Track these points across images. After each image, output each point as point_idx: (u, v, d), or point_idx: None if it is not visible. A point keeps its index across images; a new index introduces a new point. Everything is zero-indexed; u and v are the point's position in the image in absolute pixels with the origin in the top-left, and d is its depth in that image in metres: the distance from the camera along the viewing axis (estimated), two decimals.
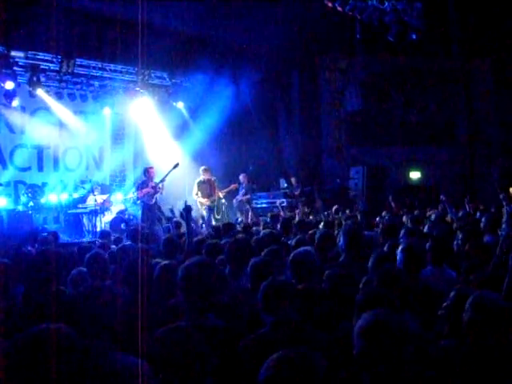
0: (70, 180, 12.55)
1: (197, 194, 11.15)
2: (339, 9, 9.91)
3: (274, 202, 12.26)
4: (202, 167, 11.35)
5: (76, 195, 11.81)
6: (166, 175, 10.44)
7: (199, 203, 11.05)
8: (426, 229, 6.26)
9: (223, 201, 11.65)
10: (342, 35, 12.07)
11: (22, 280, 3.79)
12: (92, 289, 2.59)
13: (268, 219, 8.76)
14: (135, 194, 11.53)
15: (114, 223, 10.91)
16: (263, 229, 6.79)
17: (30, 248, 6.05)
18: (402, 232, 5.34)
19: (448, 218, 7.59)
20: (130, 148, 13.83)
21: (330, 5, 9.85)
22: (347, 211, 9.89)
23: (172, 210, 8.21)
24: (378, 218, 8.08)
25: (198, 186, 11.13)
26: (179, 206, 11.71)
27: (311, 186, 13.09)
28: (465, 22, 12.95)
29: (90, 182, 11.59)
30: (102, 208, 11.07)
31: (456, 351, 2.41)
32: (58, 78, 11.64)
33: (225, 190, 11.53)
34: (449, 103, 14.98)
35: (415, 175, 14.68)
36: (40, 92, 11.41)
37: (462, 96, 14.90)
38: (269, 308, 2.77)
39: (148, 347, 2.14)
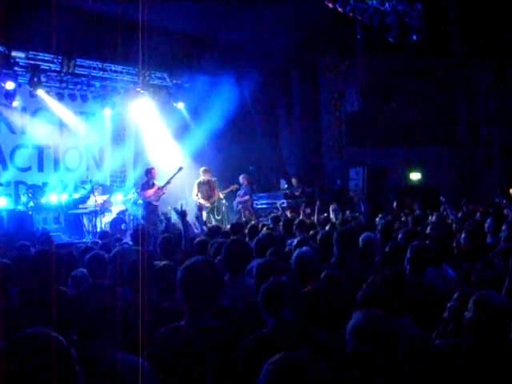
0: (71, 180, 12.55)
1: (197, 195, 11.14)
2: (340, 10, 9.92)
3: (275, 203, 12.26)
4: (202, 168, 11.35)
5: (76, 195, 11.81)
6: (171, 178, 10.49)
7: (199, 204, 11.04)
8: (428, 230, 6.27)
9: (223, 201, 11.64)
10: (343, 36, 12.08)
11: (21, 280, 3.79)
12: (92, 289, 2.59)
13: (268, 220, 8.75)
14: (135, 194, 11.56)
15: (114, 224, 10.92)
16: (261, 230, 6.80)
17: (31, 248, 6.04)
18: (403, 233, 5.34)
19: (449, 220, 7.59)
20: (131, 148, 13.83)
21: (330, 5, 9.86)
22: (347, 212, 9.89)
23: (168, 212, 8.22)
24: (377, 219, 8.08)
25: (198, 187, 11.13)
26: (178, 207, 11.74)
27: (312, 187, 13.09)
28: (465, 23, 12.95)
29: (90, 182, 11.59)
30: (103, 208, 11.08)
31: (457, 350, 2.41)
32: (58, 78, 11.64)
33: (225, 191, 11.52)
34: (449, 104, 14.98)
35: (415, 176, 14.68)
36: (40, 92, 11.41)
37: (462, 96, 14.91)
38: (270, 309, 2.77)
39: (148, 347, 2.15)
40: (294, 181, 13.17)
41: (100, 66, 11.95)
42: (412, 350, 2.24)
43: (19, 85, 10.97)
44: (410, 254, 3.87)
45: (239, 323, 3.04)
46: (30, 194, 10.93)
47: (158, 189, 10.52)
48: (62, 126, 12.38)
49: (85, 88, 12.27)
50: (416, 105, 14.82)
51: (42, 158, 12.31)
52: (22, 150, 11.93)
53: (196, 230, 8.36)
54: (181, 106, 13.26)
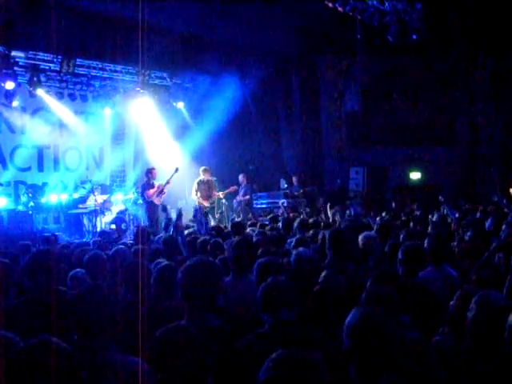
0: (71, 180, 12.55)
1: (196, 195, 11.13)
2: (340, 9, 9.91)
3: (275, 203, 12.26)
4: (202, 167, 11.34)
5: (76, 195, 11.82)
6: (170, 178, 10.55)
7: (198, 204, 11.00)
8: (429, 230, 6.27)
9: (223, 201, 11.64)
10: (343, 35, 12.07)
11: (20, 280, 3.79)
12: (92, 289, 2.59)
13: (267, 220, 8.75)
14: (135, 194, 11.57)
15: (114, 223, 10.91)
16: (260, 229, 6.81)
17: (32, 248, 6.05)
18: (403, 233, 5.34)
19: (449, 219, 7.59)
20: (131, 148, 13.84)
21: (330, 5, 9.85)
22: (347, 212, 9.88)
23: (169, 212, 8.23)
24: (377, 219, 8.07)
25: (198, 186, 11.12)
26: (179, 206, 11.77)
27: (312, 187, 13.08)
28: (465, 23, 12.94)
29: (90, 182, 11.59)
30: (102, 208, 11.08)
31: (457, 349, 2.41)
32: (58, 78, 11.64)
33: (224, 192, 11.44)
34: (449, 103, 14.98)
35: (415, 175, 14.68)
36: (40, 92, 11.41)
37: (462, 96, 14.90)
38: (268, 308, 2.78)
39: (148, 347, 2.14)
40: (294, 180, 13.16)
41: (100, 66, 11.95)
42: (410, 348, 2.24)
43: (19, 84, 10.96)
44: (401, 255, 3.86)
45: (239, 323, 3.04)
46: (29, 194, 10.93)
47: (159, 188, 10.57)
48: (61, 125, 12.38)
49: (85, 88, 12.27)
50: (416, 104, 14.82)
51: (41, 158, 12.31)
52: (22, 149, 11.92)
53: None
54: (181, 105, 13.25)
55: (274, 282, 2.85)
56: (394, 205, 10.93)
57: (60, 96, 12.01)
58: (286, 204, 11.75)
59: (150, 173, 10.73)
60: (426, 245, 4.21)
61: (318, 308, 3.04)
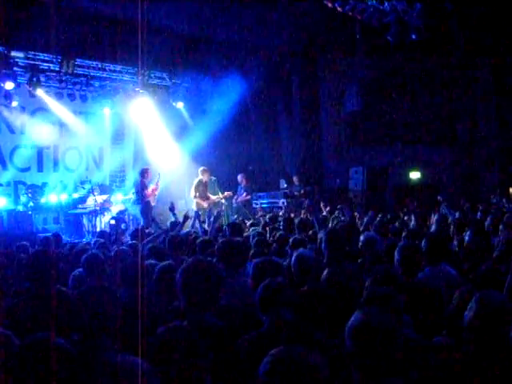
0: (70, 180, 12.55)
1: (195, 196, 11.09)
2: (339, 9, 9.91)
3: (274, 202, 12.25)
4: (201, 168, 11.32)
5: (76, 195, 11.81)
6: (157, 182, 10.75)
7: (196, 204, 10.98)
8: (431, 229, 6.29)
9: (223, 201, 11.62)
10: (342, 35, 12.07)
11: (21, 280, 3.79)
12: (92, 289, 2.59)
13: (267, 220, 8.73)
14: (135, 194, 11.55)
15: (114, 219, 10.91)
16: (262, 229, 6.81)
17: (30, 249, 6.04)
18: (403, 234, 5.35)
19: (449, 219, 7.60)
20: (130, 148, 13.84)
21: (329, 5, 9.85)
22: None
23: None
24: (377, 219, 8.07)
25: (197, 187, 11.08)
26: (179, 206, 11.77)
27: (312, 186, 13.08)
28: (465, 23, 12.93)
29: (89, 182, 11.59)
30: (102, 208, 11.08)
31: (457, 349, 2.41)
32: (57, 78, 11.63)
33: (218, 197, 11.30)
34: (449, 103, 14.98)
35: (415, 175, 14.68)
36: (40, 92, 11.41)
37: (462, 96, 14.90)
38: (266, 308, 2.78)
39: (147, 347, 2.14)
40: (295, 179, 13.16)
41: (99, 66, 11.95)
42: (411, 351, 2.24)
43: (18, 85, 10.96)
44: (398, 255, 3.85)
45: (237, 322, 3.04)
46: (29, 194, 10.93)
47: (153, 189, 10.60)
48: (61, 125, 12.38)
49: (84, 88, 12.27)
50: (416, 104, 14.82)
51: (41, 158, 12.31)
52: (22, 150, 11.92)
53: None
54: (180, 105, 13.25)
55: (272, 282, 2.86)
56: (393, 205, 10.93)
57: (59, 96, 12.01)
58: (285, 204, 11.76)
59: (146, 173, 10.70)
60: (423, 245, 4.21)
61: (317, 308, 3.03)
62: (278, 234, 5.85)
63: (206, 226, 10.00)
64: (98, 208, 10.93)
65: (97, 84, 12.26)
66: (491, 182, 13.90)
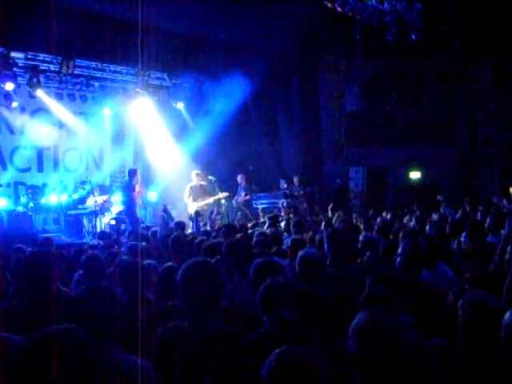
0: (70, 181, 12.54)
1: (188, 198, 11.07)
2: (339, 9, 9.91)
3: (275, 203, 12.24)
4: (194, 172, 11.31)
5: (76, 196, 11.81)
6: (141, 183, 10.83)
7: (190, 207, 10.96)
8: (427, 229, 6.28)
9: (223, 201, 11.62)
10: (342, 36, 12.08)
11: (18, 281, 3.79)
12: (92, 289, 2.59)
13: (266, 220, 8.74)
14: (126, 196, 11.58)
15: (114, 220, 10.92)
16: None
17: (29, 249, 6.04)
18: (402, 233, 5.35)
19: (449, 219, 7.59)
20: (130, 149, 13.83)
21: (329, 5, 9.86)
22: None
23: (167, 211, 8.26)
24: (378, 219, 8.08)
25: (190, 191, 11.08)
26: (178, 206, 11.77)
27: (312, 186, 13.08)
28: (465, 23, 12.95)
29: (89, 183, 11.58)
30: (102, 209, 11.07)
31: (448, 351, 2.40)
32: (57, 78, 11.63)
33: (216, 198, 11.27)
34: (449, 103, 14.98)
35: (415, 175, 14.68)
36: (40, 93, 11.41)
37: (462, 96, 14.90)
38: (268, 309, 2.78)
39: (147, 347, 2.14)
40: (295, 180, 13.16)
41: (99, 67, 11.95)
42: (412, 352, 2.23)
43: (18, 85, 10.96)
44: (400, 256, 3.83)
45: (238, 323, 3.04)
46: (29, 195, 10.92)
47: (138, 191, 10.60)
48: (61, 126, 12.37)
49: (84, 88, 12.27)
50: (415, 104, 14.83)
51: (41, 159, 12.30)
52: (22, 150, 11.92)
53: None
54: (180, 106, 13.25)
55: (274, 282, 2.85)
56: (393, 205, 10.93)
57: (59, 97, 12.01)
58: (285, 204, 11.75)
59: (135, 174, 10.68)
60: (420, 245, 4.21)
61: (319, 308, 3.03)
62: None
63: (207, 226, 10.03)
64: (98, 208, 10.93)
65: (97, 84, 12.26)
66: (491, 182, 13.90)
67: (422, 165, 14.58)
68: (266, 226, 7.34)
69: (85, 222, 11.22)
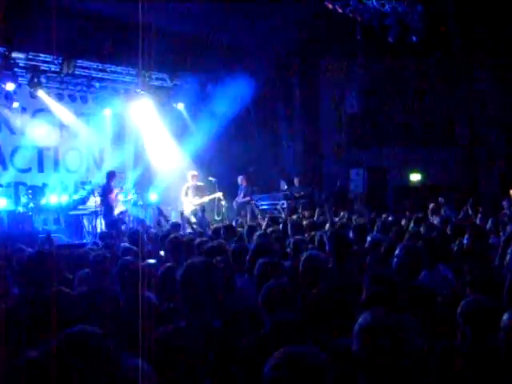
0: (71, 181, 12.55)
1: (185, 196, 11.15)
2: (340, 10, 9.92)
3: (275, 204, 12.23)
4: (191, 172, 11.32)
5: (76, 196, 11.80)
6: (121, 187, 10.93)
7: (186, 206, 11.00)
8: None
9: (223, 202, 11.62)
10: (343, 37, 12.06)
11: (19, 281, 3.79)
12: (93, 290, 2.59)
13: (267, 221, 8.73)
14: (135, 195, 11.57)
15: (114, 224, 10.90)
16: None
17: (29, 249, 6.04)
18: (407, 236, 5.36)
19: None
20: (131, 149, 13.84)
21: (330, 6, 9.86)
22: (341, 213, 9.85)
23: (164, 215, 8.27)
24: (378, 220, 8.06)
25: (185, 192, 11.16)
26: (178, 207, 11.77)
27: (312, 188, 13.08)
28: (465, 24, 12.95)
29: (90, 183, 11.58)
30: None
31: (450, 352, 2.40)
32: (58, 79, 11.65)
33: (210, 197, 11.30)
34: (449, 105, 14.97)
35: (415, 177, 14.67)
36: (40, 93, 11.42)
37: (462, 97, 14.90)
38: (270, 310, 2.78)
39: (147, 347, 2.14)
40: (296, 181, 13.15)
41: (100, 67, 11.96)
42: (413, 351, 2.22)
43: (19, 86, 10.97)
44: (397, 257, 3.82)
45: (239, 323, 3.04)
46: (29, 195, 10.92)
47: (116, 194, 10.58)
48: (61, 126, 12.39)
49: (85, 89, 12.29)
50: (416, 105, 14.82)
51: (41, 159, 12.31)
52: (22, 150, 11.92)
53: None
54: (181, 106, 13.25)
55: (276, 283, 2.85)
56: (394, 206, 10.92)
57: (60, 97, 12.02)
58: (285, 205, 11.74)
59: (113, 176, 10.67)
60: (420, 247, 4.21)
61: (323, 309, 3.02)
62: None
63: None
64: (98, 209, 10.92)
65: (97, 85, 12.26)
66: (491, 184, 13.89)
67: (423, 166, 14.57)
68: (263, 228, 7.33)
69: (85, 222, 11.22)
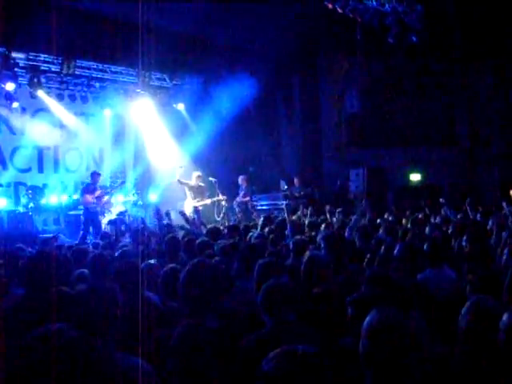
0: (71, 181, 12.55)
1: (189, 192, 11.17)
2: (340, 10, 9.92)
3: (275, 204, 12.23)
4: (196, 173, 11.31)
5: (76, 196, 11.81)
6: (113, 190, 10.92)
7: (187, 205, 11.00)
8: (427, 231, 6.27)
9: (223, 203, 11.62)
10: (343, 37, 12.08)
11: (21, 281, 3.78)
12: (93, 289, 2.58)
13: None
14: (135, 195, 11.54)
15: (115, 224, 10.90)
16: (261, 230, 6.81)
17: (29, 249, 6.04)
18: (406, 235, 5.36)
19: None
20: (131, 149, 13.85)
21: (330, 6, 9.86)
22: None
23: (168, 214, 8.24)
24: (379, 220, 8.06)
25: (190, 190, 11.15)
26: (179, 208, 11.75)
27: (312, 188, 13.07)
28: (465, 24, 12.95)
29: None
30: (103, 209, 11.07)
31: (450, 358, 2.38)
32: (58, 79, 11.66)
33: (213, 199, 11.30)
34: (449, 104, 14.97)
35: (415, 177, 14.66)
36: (41, 93, 11.43)
37: (462, 97, 14.90)
38: (269, 309, 2.78)
39: (148, 347, 2.14)
40: (296, 181, 13.15)
41: (100, 67, 11.97)
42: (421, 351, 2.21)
43: (19, 86, 10.97)
44: (397, 256, 3.82)
45: (240, 324, 3.04)
46: (29, 195, 10.93)
47: (98, 195, 10.47)
48: (62, 126, 12.39)
49: (85, 89, 12.29)
50: (416, 105, 14.81)
51: (41, 159, 12.31)
52: (22, 150, 11.92)
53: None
54: (181, 107, 13.26)
55: (276, 282, 2.85)
56: (394, 207, 10.92)
57: (60, 97, 12.03)
58: (284, 205, 11.72)
59: (97, 177, 10.64)
60: (425, 247, 4.21)
61: (323, 309, 3.02)
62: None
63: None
64: (98, 209, 10.91)
65: (97, 85, 12.27)
66: (492, 184, 13.88)
67: (423, 166, 14.57)
68: (259, 228, 7.33)
69: None
